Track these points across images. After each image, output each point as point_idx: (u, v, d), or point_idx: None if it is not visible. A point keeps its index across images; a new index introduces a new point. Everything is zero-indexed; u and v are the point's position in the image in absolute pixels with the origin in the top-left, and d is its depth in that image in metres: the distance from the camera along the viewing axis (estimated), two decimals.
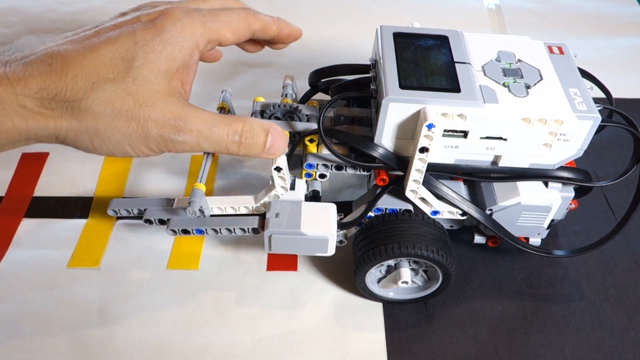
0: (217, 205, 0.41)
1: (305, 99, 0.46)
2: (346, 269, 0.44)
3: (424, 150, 0.35)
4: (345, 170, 0.39)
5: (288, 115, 0.41)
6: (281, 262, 0.45)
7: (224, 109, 0.45)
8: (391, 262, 0.40)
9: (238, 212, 0.41)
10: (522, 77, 0.37)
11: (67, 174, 0.52)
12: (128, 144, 0.33)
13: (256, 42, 0.42)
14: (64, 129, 0.32)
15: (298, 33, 0.42)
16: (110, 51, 0.32)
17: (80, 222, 0.48)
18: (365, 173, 0.40)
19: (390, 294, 0.42)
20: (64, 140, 0.33)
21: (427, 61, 0.37)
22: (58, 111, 0.31)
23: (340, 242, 0.42)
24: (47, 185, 0.51)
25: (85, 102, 0.31)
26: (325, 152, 0.39)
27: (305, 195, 0.41)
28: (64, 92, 0.31)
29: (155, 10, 0.35)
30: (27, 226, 0.48)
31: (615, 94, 0.42)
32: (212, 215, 0.41)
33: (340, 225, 0.40)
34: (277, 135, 0.36)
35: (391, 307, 0.43)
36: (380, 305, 0.43)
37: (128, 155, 0.34)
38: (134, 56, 0.32)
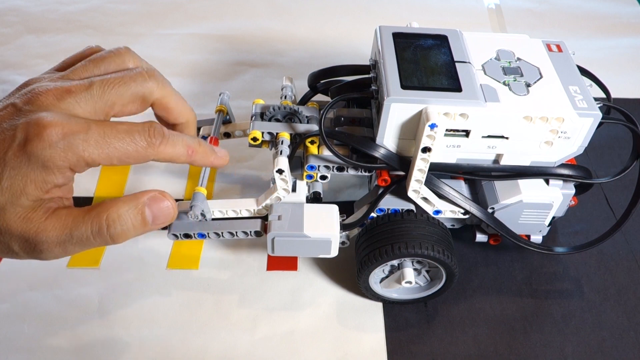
0: (218, 208, 0.41)
1: (305, 100, 0.46)
2: (346, 269, 0.44)
3: (426, 150, 0.35)
4: (347, 171, 0.39)
5: (288, 117, 0.41)
6: (281, 262, 0.45)
7: (222, 112, 0.45)
8: (395, 262, 0.40)
9: (240, 215, 0.41)
10: (522, 75, 0.37)
11: None
12: (6, 255, 0.32)
13: None
14: None
15: (219, 165, 0.38)
16: None
17: None
18: (366, 174, 0.40)
19: (393, 294, 0.42)
20: None
21: (428, 61, 0.37)
22: None
23: (343, 243, 0.42)
24: None
25: None
26: (326, 153, 0.39)
27: (307, 197, 0.41)
28: None
29: (33, 122, 0.30)
30: None
31: (615, 94, 0.43)
32: (213, 219, 0.41)
33: (343, 227, 0.40)
34: (158, 202, 0.34)
35: (391, 307, 0.43)
36: (380, 305, 0.43)
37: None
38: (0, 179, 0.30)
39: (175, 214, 0.35)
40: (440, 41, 0.38)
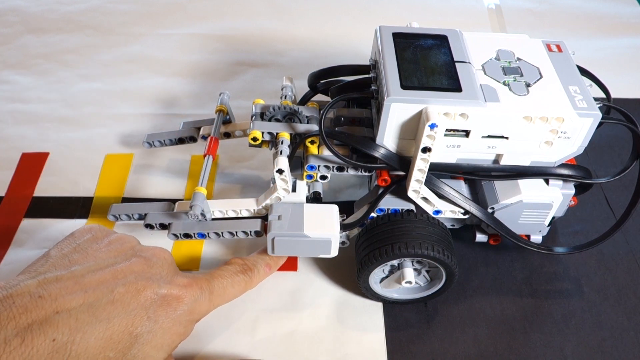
0: (218, 208, 0.41)
1: (305, 100, 0.46)
2: (346, 269, 0.44)
3: (426, 150, 0.35)
4: (347, 171, 0.39)
5: (288, 117, 0.41)
6: None
7: (222, 112, 0.45)
8: (395, 262, 0.40)
9: (240, 215, 0.41)
10: (522, 75, 0.37)
11: (67, 174, 0.52)
12: None
13: None
14: None
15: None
16: (122, 322, 0.31)
17: (80, 222, 0.48)
18: (366, 174, 0.40)
19: (393, 294, 0.42)
20: None
21: (428, 61, 0.37)
22: None
23: (343, 243, 0.42)
24: (47, 185, 0.51)
25: None
26: (326, 153, 0.39)
27: (307, 197, 0.41)
28: None
29: (178, 283, 0.35)
30: (27, 226, 0.47)
31: (614, 94, 0.43)
32: (213, 219, 0.41)
33: (343, 227, 0.40)
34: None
35: (391, 307, 0.43)
36: (380, 305, 0.43)
37: None
38: (142, 332, 0.32)
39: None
40: (440, 41, 0.38)
